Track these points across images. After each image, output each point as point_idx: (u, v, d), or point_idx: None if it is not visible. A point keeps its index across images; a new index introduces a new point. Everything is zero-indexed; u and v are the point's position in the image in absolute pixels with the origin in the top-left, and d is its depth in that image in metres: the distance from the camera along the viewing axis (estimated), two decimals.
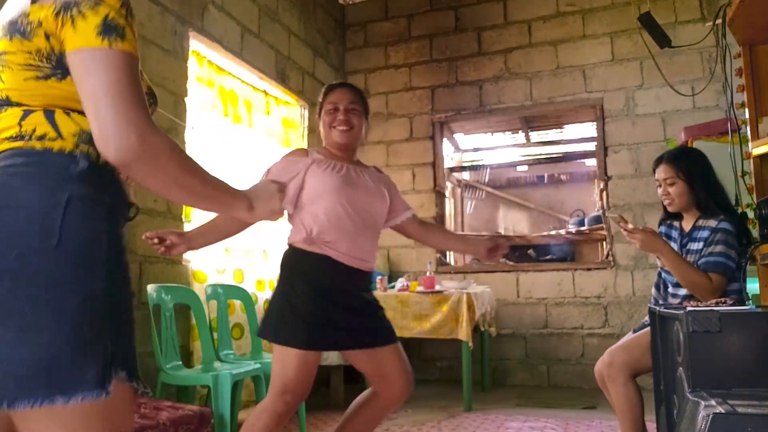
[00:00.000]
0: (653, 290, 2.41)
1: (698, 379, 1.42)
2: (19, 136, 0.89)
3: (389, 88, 5.18)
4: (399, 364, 1.97)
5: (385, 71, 5.19)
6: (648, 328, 2.16)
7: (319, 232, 1.90)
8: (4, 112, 0.91)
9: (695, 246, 2.20)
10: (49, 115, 0.91)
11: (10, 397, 0.79)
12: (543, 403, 3.89)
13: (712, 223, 2.16)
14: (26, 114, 0.90)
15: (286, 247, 2.01)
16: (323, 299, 1.87)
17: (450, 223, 6.03)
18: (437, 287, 3.90)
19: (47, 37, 0.89)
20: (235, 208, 1.05)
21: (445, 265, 5.06)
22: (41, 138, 0.89)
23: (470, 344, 3.66)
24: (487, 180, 7.59)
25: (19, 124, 0.90)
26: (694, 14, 4.40)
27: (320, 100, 2.08)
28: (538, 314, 4.61)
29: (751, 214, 2.34)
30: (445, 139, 5.30)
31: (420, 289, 3.89)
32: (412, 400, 3.98)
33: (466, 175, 7.15)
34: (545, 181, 7.83)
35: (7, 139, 0.90)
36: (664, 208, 2.36)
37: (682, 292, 2.20)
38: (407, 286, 4.00)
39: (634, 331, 2.36)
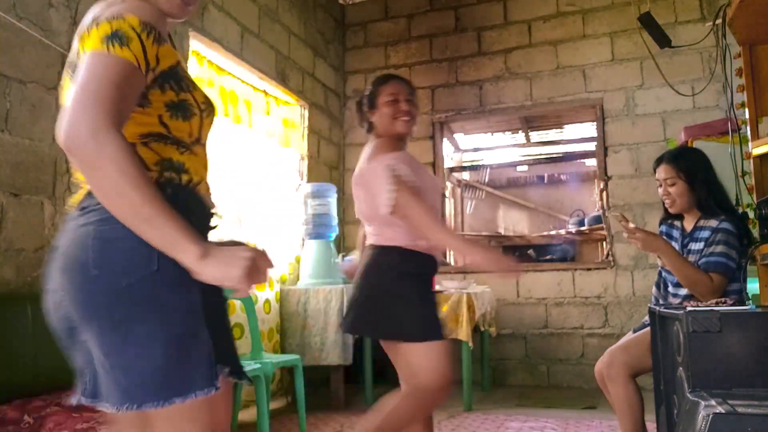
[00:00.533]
0: (654, 289, 2.41)
1: (698, 379, 1.42)
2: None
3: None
4: None
5: (385, 71, 5.18)
6: (648, 328, 2.16)
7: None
8: None
9: (696, 246, 2.20)
10: (142, 143, 0.99)
11: (138, 401, 0.92)
12: (543, 403, 3.89)
13: (713, 223, 2.16)
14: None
15: (376, 248, 1.96)
16: (431, 294, 2.00)
17: (450, 224, 6.03)
18: (437, 287, 3.90)
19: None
20: (179, 249, 0.89)
21: (445, 265, 5.06)
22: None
23: (470, 344, 3.66)
24: (487, 180, 7.59)
25: None
26: (694, 14, 4.40)
27: (370, 90, 2.09)
28: (538, 314, 4.61)
29: (751, 214, 2.34)
30: (445, 139, 5.30)
31: None
32: None
33: (466, 175, 7.14)
34: (545, 181, 7.82)
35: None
36: (665, 207, 2.35)
37: (683, 291, 2.20)
38: None
39: (634, 331, 2.36)
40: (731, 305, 1.73)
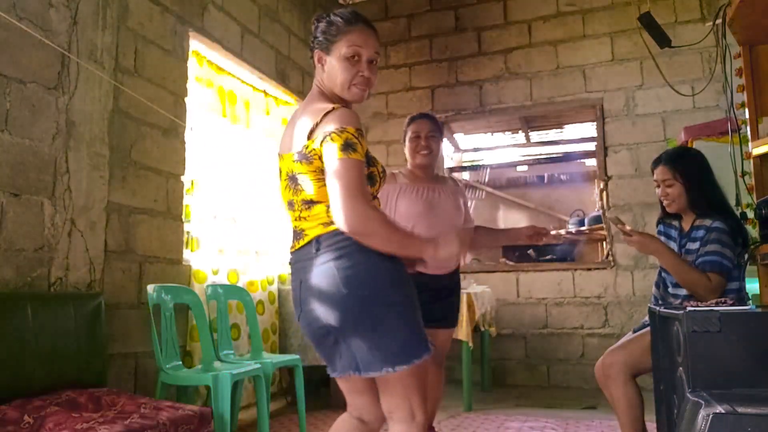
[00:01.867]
0: (654, 289, 2.41)
1: (698, 379, 1.42)
2: (330, 222, 1.45)
3: (389, 88, 5.18)
4: None
5: (385, 71, 5.19)
6: (648, 328, 2.16)
7: None
8: (315, 208, 1.48)
9: (693, 246, 2.20)
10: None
11: (392, 364, 1.41)
12: (543, 403, 3.89)
13: (707, 222, 2.16)
14: (328, 207, 1.45)
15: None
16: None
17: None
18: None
19: (319, 158, 1.43)
20: (424, 252, 1.47)
21: None
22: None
23: (470, 344, 3.66)
24: (487, 180, 7.58)
25: (327, 214, 1.46)
26: (694, 14, 4.40)
27: (404, 129, 2.61)
28: (538, 314, 4.60)
29: (751, 214, 2.34)
30: (445, 139, 5.29)
31: None
32: None
33: (466, 175, 7.14)
34: (545, 181, 7.82)
35: (322, 224, 1.47)
36: (662, 207, 2.36)
37: (683, 291, 2.20)
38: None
39: (634, 331, 2.36)
40: (731, 305, 1.73)
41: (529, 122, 5.68)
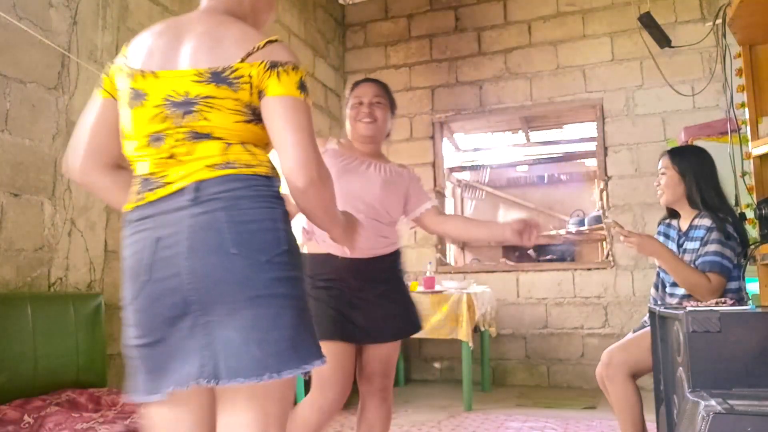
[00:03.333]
0: (652, 290, 2.41)
1: (698, 379, 1.42)
2: (226, 164, 1.10)
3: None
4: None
5: (385, 71, 5.19)
6: (648, 328, 2.16)
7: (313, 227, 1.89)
8: (204, 143, 1.11)
9: (692, 245, 2.20)
10: (246, 147, 1.14)
11: (275, 369, 1.02)
12: (543, 403, 3.89)
13: (707, 222, 2.16)
14: (228, 146, 1.12)
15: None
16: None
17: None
18: (437, 287, 3.90)
19: (251, 89, 1.11)
20: (335, 229, 1.27)
21: (445, 265, 5.06)
22: (248, 165, 1.11)
23: (470, 344, 3.66)
24: (487, 180, 7.58)
25: (223, 154, 1.11)
26: (694, 14, 4.40)
27: (347, 95, 2.14)
28: (538, 314, 4.60)
29: (750, 214, 2.34)
30: (445, 139, 5.30)
31: (420, 289, 3.89)
32: (412, 400, 3.99)
33: (466, 175, 7.13)
34: (545, 181, 7.81)
35: (210, 166, 1.10)
36: (667, 208, 2.37)
37: (680, 291, 2.20)
38: (407, 285, 4.00)
39: (634, 332, 2.36)
40: (731, 305, 1.73)
41: (529, 122, 5.67)
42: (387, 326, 1.97)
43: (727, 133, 2.60)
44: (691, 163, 2.25)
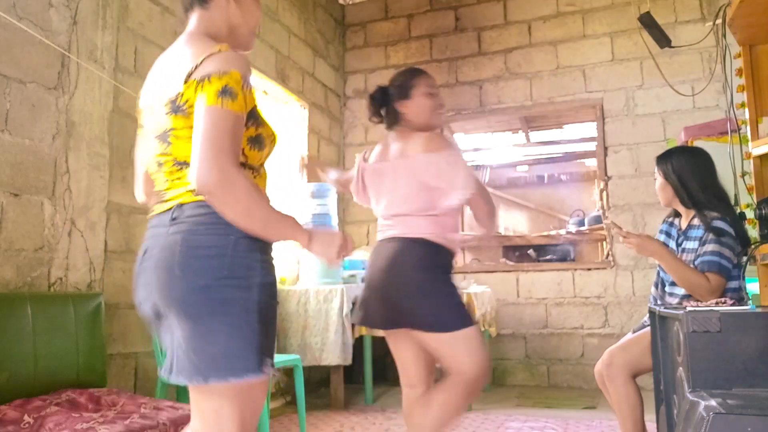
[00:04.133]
0: (652, 289, 2.41)
1: (698, 379, 1.42)
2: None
3: None
4: None
5: (385, 71, 5.19)
6: (648, 328, 2.16)
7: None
8: (182, 172, 1.22)
9: (690, 245, 2.21)
10: None
11: (204, 376, 1.16)
12: (543, 403, 3.89)
13: (706, 221, 2.16)
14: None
15: (405, 241, 1.93)
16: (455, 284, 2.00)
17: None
18: None
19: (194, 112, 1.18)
20: (297, 237, 1.26)
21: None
22: None
23: None
24: (487, 180, 7.58)
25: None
26: (694, 14, 4.40)
27: (401, 80, 2.06)
28: (538, 314, 4.60)
29: (750, 214, 2.34)
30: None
31: None
32: None
33: None
34: (545, 181, 7.82)
35: (192, 190, 1.19)
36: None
37: (680, 291, 2.20)
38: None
39: (634, 331, 2.36)
40: (731, 305, 1.73)
41: (529, 122, 5.67)
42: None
43: (727, 133, 2.61)
44: (674, 165, 2.29)
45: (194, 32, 1.33)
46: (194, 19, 1.35)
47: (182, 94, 1.19)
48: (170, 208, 1.22)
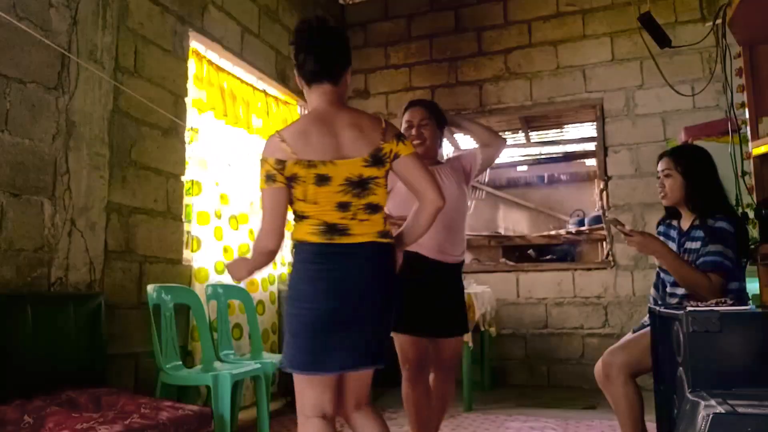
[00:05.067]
0: (652, 290, 2.40)
1: (698, 379, 1.42)
2: (384, 233, 1.66)
3: (389, 88, 5.18)
4: None
5: (385, 71, 5.19)
6: (648, 329, 2.15)
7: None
8: (377, 215, 1.66)
9: (693, 245, 2.20)
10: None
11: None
12: (543, 403, 3.88)
13: (709, 222, 2.16)
14: (385, 221, 1.69)
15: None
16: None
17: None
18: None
19: (390, 161, 1.64)
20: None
21: None
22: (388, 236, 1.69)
23: (470, 344, 3.66)
24: (487, 180, 7.58)
25: (384, 225, 1.68)
26: (694, 14, 4.39)
27: (400, 118, 2.44)
28: (538, 314, 4.60)
29: (751, 214, 2.33)
30: (445, 139, 5.28)
31: None
32: None
33: None
34: (545, 181, 7.81)
35: (379, 233, 1.65)
36: (666, 208, 2.36)
37: (680, 291, 2.19)
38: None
39: (634, 331, 2.35)
40: (731, 305, 1.73)
41: (529, 122, 5.67)
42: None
43: (727, 133, 2.60)
44: (695, 165, 2.23)
45: (339, 102, 1.73)
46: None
47: (382, 149, 1.64)
48: (361, 243, 1.62)
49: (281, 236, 1.64)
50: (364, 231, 1.61)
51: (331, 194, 1.59)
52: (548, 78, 4.77)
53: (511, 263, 5.50)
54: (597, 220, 5.97)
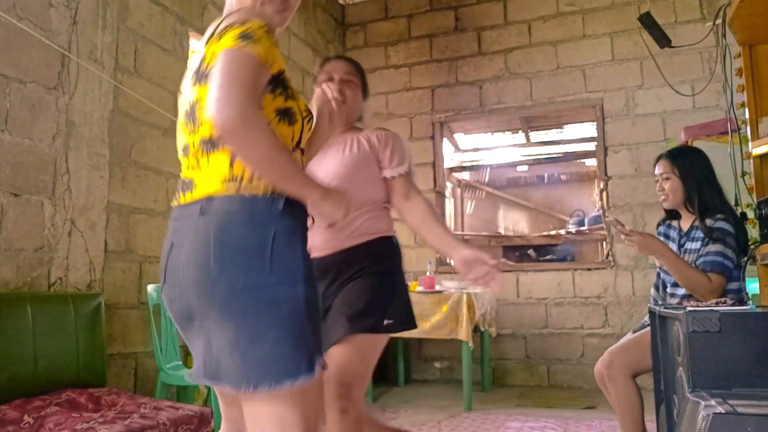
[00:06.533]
0: (652, 290, 2.41)
1: (698, 379, 1.42)
2: (232, 179, 1.09)
3: (389, 88, 5.18)
4: None
5: (385, 71, 5.19)
6: (648, 329, 2.16)
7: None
8: (216, 156, 1.11)
9: (693, 246, 2.20)
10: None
11: (253, 382, 1.03)
12: (543, 403, 3.89)
13: (710, 222, 2.16)
14: (233, 158, 1.09)
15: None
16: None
17: (450, 223, 6.03)
18: (437, 287, 3.90)
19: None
20: (309, 193, 1.11)
21: (445, 265, 5.06)
22: (249, 182, 1.08)
23: (470, 344, 3.66)
24: (487, 180, 7.58)
25: (231, 167, 1.09)
26: (694, 14, 4.40)
27: (316, 73, 1.93)
28: (538, 314, 4.60)
29: (751, 214, 2.34)
30: (445, 139, 5.29)
31: (420, 289, 3.89)
32: (411, 400, 3.99)
33: (466, 175, 7.13)
34: (545, 181, 7.82)
35: (223, 180, 1.09)
36: (665, 209, 2.37)
37: (681, 291, 2.20)
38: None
39: (634, 332, 2.36)
40: (731, 305, 1.73)
41: (529, 122, 5.68)
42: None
43: (727, 133, 2.60)
44: (693, 168, 2.24)
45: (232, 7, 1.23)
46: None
47: (204, 58, 1.10)
48: (198, 199, 1.11)
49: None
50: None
51: (178, 135, 1.25)
52: (548, 78, 4.77)
53: (511, 263, 5.50)
54: (597, 220, 5.97)
